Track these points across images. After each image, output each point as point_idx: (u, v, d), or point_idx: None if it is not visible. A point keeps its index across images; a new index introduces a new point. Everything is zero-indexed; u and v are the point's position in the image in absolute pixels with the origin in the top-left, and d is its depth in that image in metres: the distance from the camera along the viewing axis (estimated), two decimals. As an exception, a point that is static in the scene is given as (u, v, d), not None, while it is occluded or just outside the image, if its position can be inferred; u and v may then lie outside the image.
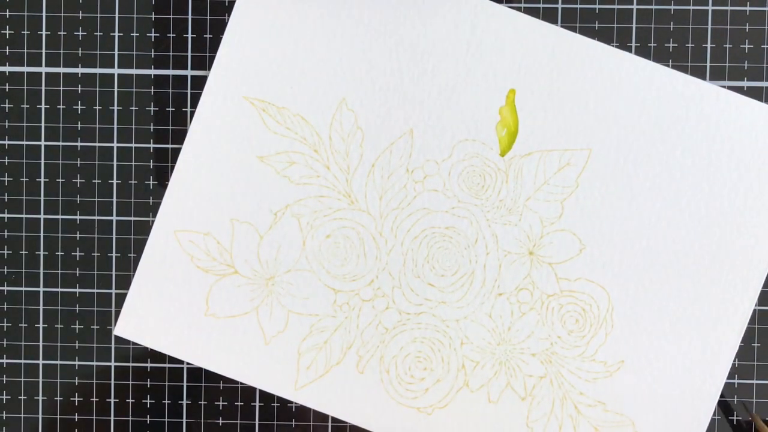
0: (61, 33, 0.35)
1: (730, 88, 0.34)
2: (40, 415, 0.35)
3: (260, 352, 0.35)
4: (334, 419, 0.35)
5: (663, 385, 0.34)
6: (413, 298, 0.35)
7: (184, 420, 0.35)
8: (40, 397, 0.35)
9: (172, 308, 0.35)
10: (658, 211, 0.34)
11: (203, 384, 0.35)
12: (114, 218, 0.35)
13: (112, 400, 0.35)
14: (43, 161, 0.35)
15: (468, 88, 0.34)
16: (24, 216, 0.35)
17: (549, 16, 0.35)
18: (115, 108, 0.35)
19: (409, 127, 0.34)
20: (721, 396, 0.34)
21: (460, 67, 0.34)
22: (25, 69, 0.35)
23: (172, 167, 0.35)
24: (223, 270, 0.35)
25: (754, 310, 0.35)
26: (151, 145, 0.35)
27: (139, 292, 0.35)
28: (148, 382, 0.35)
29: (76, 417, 0.35)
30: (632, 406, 0.34)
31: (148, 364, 0.35)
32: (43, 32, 0.35)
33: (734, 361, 0.35)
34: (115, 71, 0.35)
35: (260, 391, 0.35)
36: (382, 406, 0.34)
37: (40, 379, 0.35)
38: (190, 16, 0.35)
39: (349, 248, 0.35)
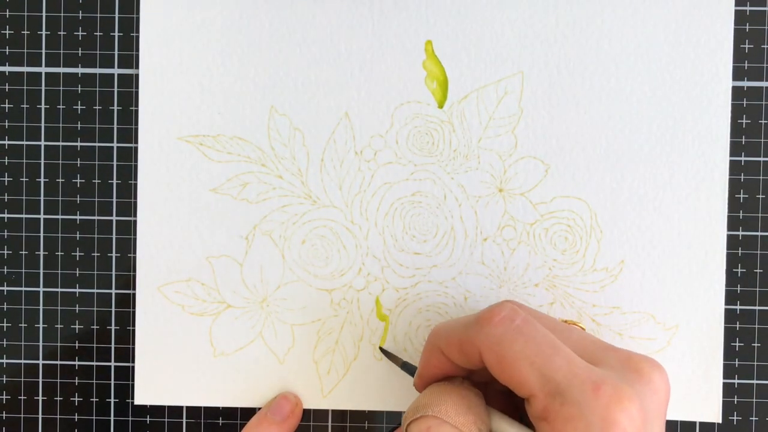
0: (61, 33, 0.35)
1: (729, 86, 0.34)
2: (40, 416, 0.35)
3: (278, 373, 0.35)
4: (334, 419, 0.35)
5: (669, 269, 0.34)
6: (404, 272, 0.35)
7: (184, 420, 0.35)
8: (40, 398, 0.35)
9: (181, 362, 0.35)
10: (607, 108, 0.34)
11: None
12: (114, 218, 0.35)
13: (112, 400, 0.35)
14: (43, 161, 0.35)
15: (386, 54, 0.34)
16: (24, 216, 0.35)
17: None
18: (115, 108, 0.35)
19: (343, 111, 0.34)
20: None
21: (371, 37, 0.34)
22: (25, 69, 0.35)
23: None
24: (215, 309, 0.35)
25: (754, 311, 0.35)
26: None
27: (145, 357, 0.35)
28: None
29: (76, 417, 0.35)
30: (646, 300, 0.34)
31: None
32: (43, 32, 0.35)
33: (734, 361, 0.35)
34: (115, 71, 0.35)
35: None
36: (407, 385, 0.34)
37: (40, 380, 0.35)
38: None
39: (328, 246, 0.35)
